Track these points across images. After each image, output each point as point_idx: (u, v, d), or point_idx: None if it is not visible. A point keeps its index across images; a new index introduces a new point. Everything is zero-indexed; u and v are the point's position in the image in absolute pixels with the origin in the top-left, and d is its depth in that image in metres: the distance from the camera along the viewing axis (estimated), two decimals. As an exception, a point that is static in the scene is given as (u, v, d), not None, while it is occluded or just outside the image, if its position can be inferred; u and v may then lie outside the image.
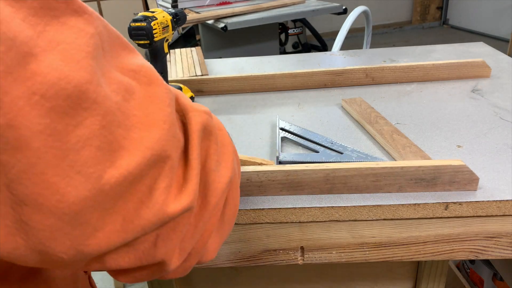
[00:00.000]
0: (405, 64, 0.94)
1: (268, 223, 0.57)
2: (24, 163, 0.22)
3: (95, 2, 3.47)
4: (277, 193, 0.57)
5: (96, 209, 0.24)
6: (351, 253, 0.59)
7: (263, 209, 0.56)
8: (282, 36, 3.31)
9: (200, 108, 0.33)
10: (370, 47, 1.88)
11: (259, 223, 0.57)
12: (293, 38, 3.44)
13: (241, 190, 0.57)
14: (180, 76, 1.08)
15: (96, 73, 0.24)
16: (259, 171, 0.55)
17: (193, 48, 1.35)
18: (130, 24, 0.70)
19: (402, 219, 0.56)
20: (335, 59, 1.17)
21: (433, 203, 0.54)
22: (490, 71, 0.94)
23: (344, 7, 2.17)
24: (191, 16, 2.06)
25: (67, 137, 0.23)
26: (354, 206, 0.55)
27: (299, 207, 0.55)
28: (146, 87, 0.28)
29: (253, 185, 0.56)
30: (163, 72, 0.79)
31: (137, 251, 0.28)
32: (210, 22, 2.04)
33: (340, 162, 0.62)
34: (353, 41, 3.68)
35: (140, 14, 0.71)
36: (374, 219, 0.56)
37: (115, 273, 0.31)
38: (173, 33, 0.79)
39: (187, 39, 2.56)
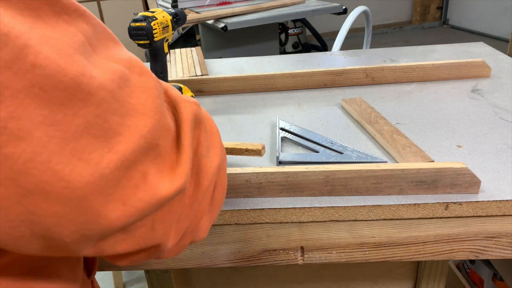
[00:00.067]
0: (405, 64, 0.94)
1: (268, 223, 0.57)
2: (29, 152, 0.23)
3: (95, 2, 3.46)
4: (276, 195, 0.57)
5: (99, 193, 0.26)
6: (351, 253, 0.59)
7: (263, 209, 0.56)
8: (282, 36, 3.31)
9: (189, 99, 0.35)
10: (370, 47, 1.88)
11: (259, 223, 0.57)
12: (293, 38, 3.44)
13: (240, 192, 0.57)
14: (180, 76, 1.08)
15: (87, 66, 0.26)
16: (258, 173, 0.55)
17: (193, 48, 1.35)
18: (130, 24, 0.70)
19: (402, 219, 0.56)
20: (335, 59, 1.17)
21: (433, 203, 0.54)
22: (490, 71, 0.94)
23: (344, 7, 2.17)
24: (191, 16, 2.06)
25: (66, 127, 0.24)
26: (354, 206, 0.55)
27: (299, 207, 0.55)
28: (139, 76, 0.30)
29: (253, 187, 0.56)
30: (163, 72, 0.79)
31: (135, 236, 0.30)
32: (210, 22, 2.04)
33: (340, 163, 0.62)
34: (353, 41, 3.68)
35: (140, 14, 0.71)
36: (374, 219, 0.56)
37: (112, 258, 0.32)
38: (173, 33, 0.79)
39: (187, 39, 2.56)
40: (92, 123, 0.25)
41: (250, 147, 0.59)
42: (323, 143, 0.68)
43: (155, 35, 0.71)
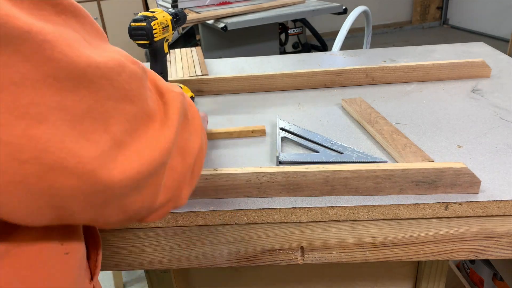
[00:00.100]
0: (405, 64, 0.94)
1: (268, 223, 0.57)
2: (48, 133, 0.27)
3: (95, 2, 3.46)
4: (276, 195, 0.57)
5: (102, 167, 0.30)
6: (351, 253, 0.59)
7: (263, 209, 0.56)
8: (282, 36, 3.31)
9: (175, 90, 0.40)
10: (370, 47, 1.88)
11: (259, 223, 0.57)
12: (293, 38, 3.44)
13: (240, 192, 0.57)
14: (180, 76, 1.08)
15: (92, 57, 0.29)
16: (258, 173, 0.56)
17: (193, 48, 1.35)
18: (130, 24, 0.70)
19: (402, 219, 0.56)
20: (335, 59, 1.17)
21: (433, 203, 0.54)
22: (490, 71, 0.94)
23: (344, 7, 2.17)
24: (191, 16, 2.06)
25: (74, 111, 0.28)
26: (354, 206, 0.55)
27: (299, 207, 0.55)
28: (131, 64, 0.33)
29: (253, 187, 0.56)
30: (163, 72, 0.79)
31: (128, 211, 0.34)
32: (210, 22, 2.04)
33: (340, 163, 0.62)
34: (353, 41, 3.68)
35: (140, 14, 0.71)
36: (374, 219, 0.56)
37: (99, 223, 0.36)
38: (173, 33, 0.79)
39: (187, 39, 2.56)
40: (92, 108, 0.29)
41: (255, 129, 0.74)
42: (323, 143, 0.68)
43: (155, 35, 0.71)
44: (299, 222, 0.57)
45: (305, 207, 0.55)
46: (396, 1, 4.93)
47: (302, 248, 0.59)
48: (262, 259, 0.60)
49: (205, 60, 1.23)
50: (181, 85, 0.89)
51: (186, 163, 0.39)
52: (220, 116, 0.84)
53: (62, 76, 0.27)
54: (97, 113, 0.30)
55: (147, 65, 1.02)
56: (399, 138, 0.67)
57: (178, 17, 0.78)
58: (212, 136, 0.74)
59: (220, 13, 2.05)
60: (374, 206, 0.55)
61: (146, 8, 3.56)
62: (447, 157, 0.63)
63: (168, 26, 0.75)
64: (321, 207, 0.55)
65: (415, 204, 0.54)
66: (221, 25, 1.95)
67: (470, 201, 0.54)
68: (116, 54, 0.32)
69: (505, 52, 1.16)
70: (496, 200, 0.53)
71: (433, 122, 0.74)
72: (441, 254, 0.58)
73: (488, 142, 0.66)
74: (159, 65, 0.78)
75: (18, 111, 0.25)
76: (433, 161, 0.60)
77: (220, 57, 1.56)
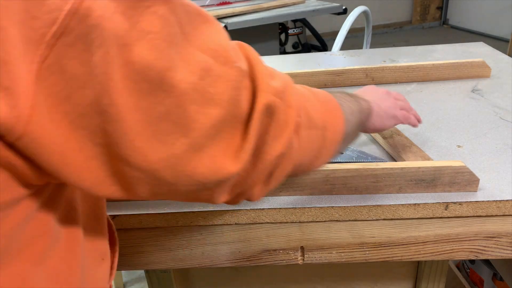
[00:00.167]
0: (405, 64, 0.94)
1: (268, 223, 0.57)
2: (120, 132, 0.28)
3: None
4: (276, 194, 0.57)
5: (169, 168, 0.31)
6: (351, 253, 0.59)
7: (263, 209, 0.56)
8: (282, 36, 3.31)
9: (270, 86, 0.36)
10: (370, 47, 1.88)
11: (259, 223, 0.57)
12: (293, 38, 3.44)
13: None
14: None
15: (174, 60, 0.29)
16: (259, 171, 0.55)
17: (193, 48, 1.35)
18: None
19: (402, 219, 0.56)
20: (335, 59, 1.17)
21: (433, 203, 0.54)
22: (490, 71, 0.94)
23: (344, 7, 2.17)
24: (191, 16, 2.05)
25: (150, 112, 0.29)
26: (354, 206, 0.55)
27: (299, 207, 0.55)
28: (221, 66, 0.33)
29: (253, 185, 0.56)
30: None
31: (196, 199, 0.36)
32: (210, 22, 2.04)
33: (340, 162, 0.62)
34: (353, 41, 3.68)
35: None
36: (374, 219, 0.56)
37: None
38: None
39: (187, 39, 2.55)
40: (172, 111, 0.30)
41: None
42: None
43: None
44: (299, 222, 0.57)
45: (305, 207, 0.55)
46: (396, 1, 4.93)
47: (302, 248, 0.59)
48: (262, 259, 0.60)
49: (205, 60, 1.23)
50: None
51: (256, 167, 0.37)
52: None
53: (139, 79, 0.28)
54: (177, 117, 0.30)
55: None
56: (399, 138, 0.67)
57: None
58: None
59: (220, 13, 2.05)
60: (374, 206, 0.55)
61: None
62: (447, 157, 0.63)
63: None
64: (321, 207, 0.55)
65: (415, 204, 0.54)
66: (221, 25, 1.95)
67: (470, 201, 0.54)
68: (201, 56, 0.31)
69: (505, 52, 1.16)
70: (496, 200, 0.53)
71: (433, 122, 0.75)
72: (441, 254, 0.58)
73: (488, 142, 0.66)
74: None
75: (99, 107, 0.27)
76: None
77: (220, 57, 1.56)
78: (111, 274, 0.46)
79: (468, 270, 1.27)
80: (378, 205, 0.55)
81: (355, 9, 1.77)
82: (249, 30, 2.07)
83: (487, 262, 1.19)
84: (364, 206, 0.55)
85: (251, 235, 0.58)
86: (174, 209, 0.56)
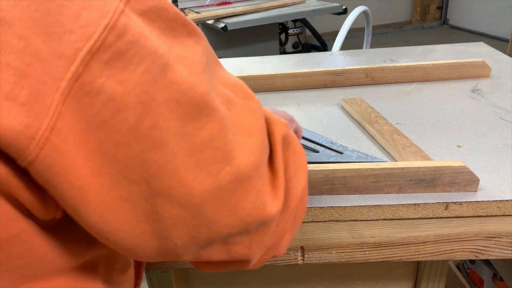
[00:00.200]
0: (405, 64, 0.94)
1: (268, 223, 0.57)
2: (163, 160, 0.25)
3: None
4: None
5: (214, 202, 0.28)
6: (351, 253, 0.59)
7: (263, 209, 0.56)
8: (282, 36, 3.31)
9: (280, 121, 0.36)
10: (370, 47, 1.88)
11: (259, 223, 0.57)
12: (293, 38, 3.44)
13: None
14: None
15: (210, 85, 0.28)
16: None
17: (193, 48, 1.35)
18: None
19: (402, 219, 0.56)
20: (335, 59, 1.17)
21: (433, 203, 0.54)
22: (490, 71, 0.94)
23: (344, 7, 2.17)
24: (191, 16, 2.06)
25: (194, 138, 0.27)
26: (354, 206, 0.55)
27: (299, 207, 0.55)
28: (243, 100, 0.32)
29: (253, 185, 0.56)
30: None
31: (231, 250, 0.32)
32: (210, 22, 2.04)
33: (340, 162, 0.62)
34: (353, 41, 3.68)
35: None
36: (374, 219, 0.56)
37: (201, 264, 0.34)
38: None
39: (187, 39, 2.55)
40: (215, 137, 0.28)
41: None
42: (323, 143, 0.68)
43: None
44: (299, 222, 0.57)
45: (305, 207, 0.55)
46: (396, 1, 4.93)
47: (302, 248, 0.59)
48: (262, 259, 0.60)
49: (205, 60, 1.23)
50: None
51: (288, 207, 0.34)
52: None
53: (184, 101, 0.26)
54: (220, 143, 0.28)
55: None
56: (399, 138, 0.67)
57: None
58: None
59: (220, 13, 2.05)
60: (374, 206, 0.55)
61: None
62: (447, 157, 0.63)
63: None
64: (321, 207, 0.55)
65: (415, 204, 0.54)
66: (221, 25, 1.95)
67: (470, 201, 0.54)
68: (224, 89, 0.31)
69: (505, 52, 1.16)
70: (496, 200, 0.53)
71: (433, 122, 0.74)
72: (441, 254, 0.58)
73: (488, 142, 0.66)
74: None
75: (140, 132, 0.24)
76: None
77: (220, 57, 1.56)
78: (136, 284, 0.44)
79: (468, 270, 1.27)
80: (378, 205, 0.55)
81: (355, 9, 1.77)
82: (249, 30, 2.07)
83: (487, 262, 1.19)
84: (364, 206, 0.55)
85: (251, 235, 0.58)
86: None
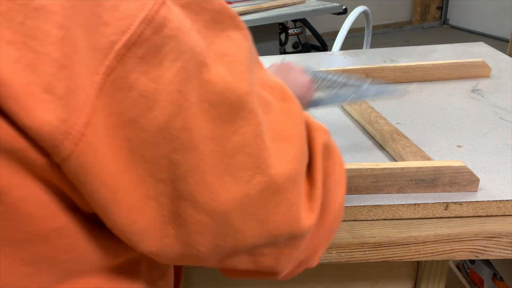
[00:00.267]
0: (405, 64, 0.94)
1: (268, 223, 0.57)
2: (190, 163, 0.24)
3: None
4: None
5: (240, 211, 0.26)
6: (351, 253, 0.59)
7: (263, 209, 0.56)
8: (282, 36, 3.31)
9: (321, 127, 0.33)
10: (370, 47, 1.88)
11: (259, 223, 0.57)
12: (293, 38, 3.44)
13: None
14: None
15: (253, 85, 0.26)
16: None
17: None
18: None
19: (402, 219, 0.56)
20: (335, 59, 1.17)
21: (433, 203, 0.54)
22: (490, 71, 0.94)
23: (344, 7, 2.17)
24: (191, 16, 2.05)
25: (225, 142, 0.25)
26: (354, 206, 0.55)
27: (299, 207, 0.55)
28: (282, 102, 0.30)
29: (253, 185, 0.56)
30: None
31: (258, 261, 0.30)
32: (210, 22, 2.04)
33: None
34: (353, 41, 3.68)
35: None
36: (374, 219, 0.56)
37: (227, 271, 0.32)
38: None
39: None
40: (249, 142, 0.26)
41: None
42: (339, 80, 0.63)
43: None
44: (299, 222, 0.57)
45: (305, 207, 0.55)
46: (396, 1, 4.93)
47: (302, 248, 0.59)
48: (262, 259, 0.60)
49: (205, 60, 1.23)
50: None
51: (325, 221, 0.33)
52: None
53: (217, 102, 0.24)
54: (253, 150, 0.26)
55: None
56: (399, 138, 0.67)
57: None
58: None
59: (220, 13, 2.05)
60: (374, 206, 0.55)
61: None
62: (447, 157, 0.63)
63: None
64: (321, 207, 0.55)
65: (415, 204, 0.54)
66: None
67: (470, 201, 0.54)
68: (263, 91, 0.29)
69: (505, 52, 1.16)
70: (496, 200, 0.53)
71: (433, 122, 0.74)
72: (441, 254, 0.58)
73: (488, 142, 0.66)
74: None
75: (169, 133, 0.23)
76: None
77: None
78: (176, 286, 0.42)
79: (468, 270, 1.27)
80: (378, 205, 0.55)
81: (355, 9, 1.77)
82: (249, 30, 2.07)
83: (487, 262, 1.19)
84: (364, 206, 0.55)
85: (251, 235, 0.58)
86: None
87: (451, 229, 0.56)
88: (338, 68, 0.94)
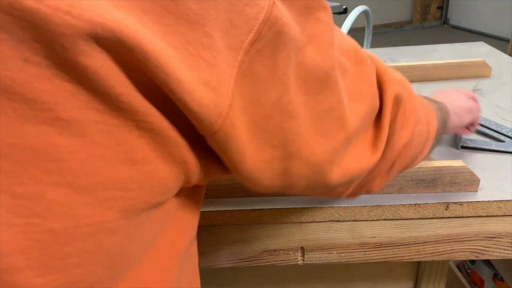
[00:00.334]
0: (406, 64, 0.94)
1: (268, 223, 0.57)
2: (296, 127, 0.31)
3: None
4: (277, 194, 0.57)
5: (330, 161, 0.34)
6: (351, 253, 0.59)
7: (263, 209, 0.56)
8: (282, 36, 3.31)
9: (394, 78, 0.39)
10: (371, 47, 1.87)
11: (259, 223, 0.57)
12: (293, 38, 3.44)
13: (240, 191, 0.57)
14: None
15: (336, 60, 0.32)
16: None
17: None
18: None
19: (402, 219, 0.56)
20: (335, 59, 1.17)
21: (434, 203, 0.54)
22: (490, 71, 0.93)
23: (344, 7, 2.17)
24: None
25: (316, 109, 0.31)
26: (354, 206, 0.55)
27: (299, 207, 0.55)
28: (356, 65, 0.36)
29: (253, 185, 0.56)
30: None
31: (332, 192, 0.39)
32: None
33: None
34: (353, 41, 3.67)
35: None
36: (374, 219, 0.56)
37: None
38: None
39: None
40: (334, 107, 0.32)
41: None
42: (504, 132, 0.67)
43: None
44: (299, 222, 0.57)
45: (305, 207, 0.55)
46: (397, 1, 4.93)
47: (302, 248, 0.59)
48: (262, 259, 0.60)
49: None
50: None
51: (385, 157, 0.40)
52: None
53: (309, 78, 0.30)
54: (337, 113, 0.33)
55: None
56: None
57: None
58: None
59: (220, 13, 2.05)
60: (374, 206, 0.55)
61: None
62: (448, 157, 0.63)
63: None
64: (321, 207, 0.55)
65: (415, 204, 0.54)
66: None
67: (471, 201, 0.53)
68: (341, 57, 0.34)
69: (505, 52, 1.16)
70: (497, 200, 0.53)
71: (434, 122, 0.74)
72: (442, 254, 0.58)
73: (489, 142, 0.66)
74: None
75: (281, 106, 0.29)
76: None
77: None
78: None
79: (468, 271, 1.27)
80: (378, 205, 0.54)
81: (355, 8, 1.77)
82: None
83: (487, 262, 1.19)
84: (365, 206, 0.55)
85: (251, 235, 0.58)
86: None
87: (452, 229, 0.56)
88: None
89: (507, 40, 3.52)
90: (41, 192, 0.22)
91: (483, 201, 0.53)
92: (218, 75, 0.26)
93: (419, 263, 0.96)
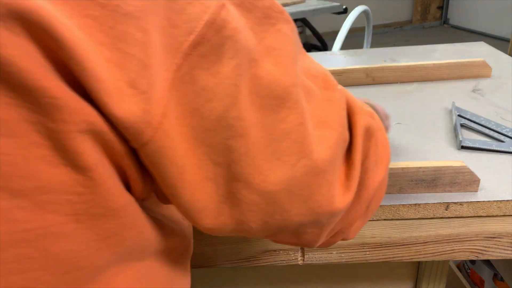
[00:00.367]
0: (406, 64, 0.94)
1: (268, 223, 0.57)
2: (243, 148, 0.27)
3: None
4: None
5: (287, 192, 0.29)
6: (351, 253, 0.59)
7: (263, 209, 0.55)
8: (283, 36, 3.31)
9: (365, 111, 0.35)
10: (371, 47, 1.87)
11: (259, 224, 0.57)
12: (293, 38, 3.43)
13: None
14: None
15: (298, 77, 0.29)
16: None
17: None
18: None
19: (402, 219, 0.55)
20: (335, 59, 1.17)
21: (434, 203, 0.54)
22: (490, 70, 0.93)
23: (344, 7, 2.17)
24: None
25: (273, 130, 0.28)
26: (354, 206, 0.55)
27: (299, 208, 0.55)
28: (324, 91, 0.32)
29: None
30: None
31: (300, 239, 0.34)
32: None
33: None
34: (353, 41, 3.68)
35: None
36: (374, 219, 0.56)
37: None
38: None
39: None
40: (294, 130, 0.28)
41: None
42: (505, 133, 0.67)
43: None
44: (299, 222, 0.56)
45: (305, 207, 0.55)
46: (397, 1, 4.93)
47: (302, 248, 0.59)
48: (262, 259, 0.60)
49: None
50: None
51: (361, 198, 0.35)
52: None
53: (264, 94, 0.27)
54: (298, 136, 0.29)
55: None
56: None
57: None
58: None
59: (220, 13, 2.05)
60: (374, 206, 0.54)
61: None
62: (448, 157, 0.63)
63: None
64: (321, 207, 0.55)
65: (415, 204, 0.54)
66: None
67: (471, 201, 0.53)
68: (306, 80, 0.31)
69: (505, 52, 1.16)
70: (497, 200, 0.53)
71: (434, 122, 0.74)
72: (442, 254, 0.58)
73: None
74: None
75: (226, 121, 0.26)
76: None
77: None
78: None
79: (468, 271, 1.27)
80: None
81: (356, 8, 1.77)
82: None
83: (487, 262, 1.19)
84: (365, 206, 0.55)
85: (251, 235, 0.58)
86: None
87: (452, 229, 0.56)
88: (338, 68, 0.94)
89: (507, 40, 3.52)
90: None
91: (483, 201, 0.53)
92: (150, 78, 0.23)
93: (419, 263, 0.96)
